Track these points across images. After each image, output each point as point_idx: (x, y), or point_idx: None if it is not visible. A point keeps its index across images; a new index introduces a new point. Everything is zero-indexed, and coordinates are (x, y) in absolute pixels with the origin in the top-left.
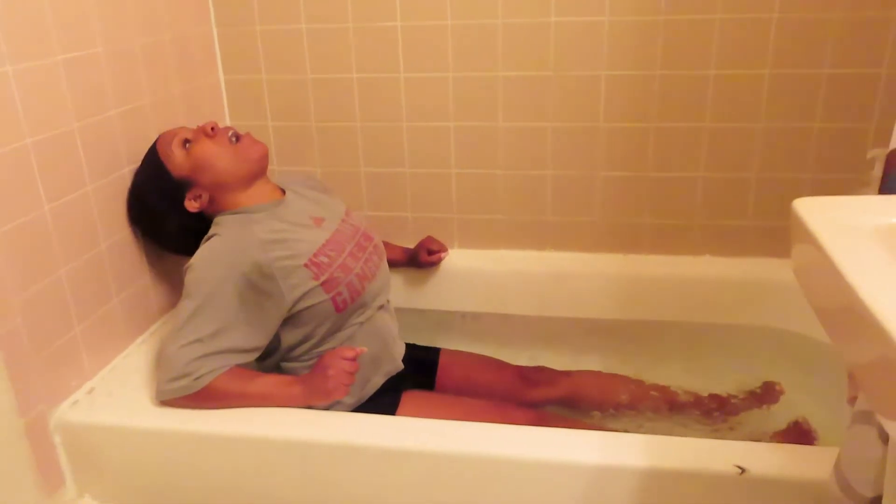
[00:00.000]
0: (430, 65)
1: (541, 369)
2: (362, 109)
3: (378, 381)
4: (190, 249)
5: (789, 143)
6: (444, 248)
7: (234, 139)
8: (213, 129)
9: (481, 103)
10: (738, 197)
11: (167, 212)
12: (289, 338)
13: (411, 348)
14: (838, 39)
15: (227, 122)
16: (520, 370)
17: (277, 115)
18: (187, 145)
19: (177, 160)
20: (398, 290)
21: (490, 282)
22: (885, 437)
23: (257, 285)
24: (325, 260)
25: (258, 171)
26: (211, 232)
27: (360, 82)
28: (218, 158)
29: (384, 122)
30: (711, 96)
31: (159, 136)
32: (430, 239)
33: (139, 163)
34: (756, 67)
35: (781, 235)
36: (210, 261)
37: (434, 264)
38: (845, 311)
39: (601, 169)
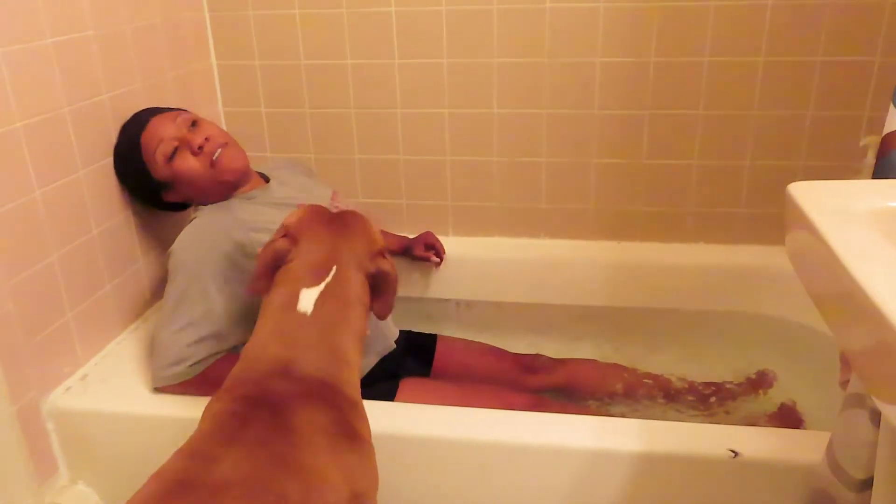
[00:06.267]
0: (425, 51)
1: (537, 357)
2: (356, 96)
3: (370, 361)
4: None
5: (783, 130)
6: (441, 251)
7: (218, 152)
8: (200, 147)
9: (476, 90)
10: (731, 185)
11: (141, 194)
12: None
13: (408, 334)
14: (832, 27)
15: (220, 109)
16: (516, 358)
17: (271, 102)
18: (172, 156)
19: (158, 167)
20: None
21: (484, 269)
22: (876, 420)
23: (240, 265)
24: None
25: (237, 185)
26: (192, 215)
27: (355, 68)
28: (198, 178)
29: (378, 109)
30: (706, 84)
31: (150, 121)
32: (431, 235)
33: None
34: (750, 55)
35: (774, 223)
36: (192, 243)
37: (427, 260)
38: (842, 296)
39: (595, 156)
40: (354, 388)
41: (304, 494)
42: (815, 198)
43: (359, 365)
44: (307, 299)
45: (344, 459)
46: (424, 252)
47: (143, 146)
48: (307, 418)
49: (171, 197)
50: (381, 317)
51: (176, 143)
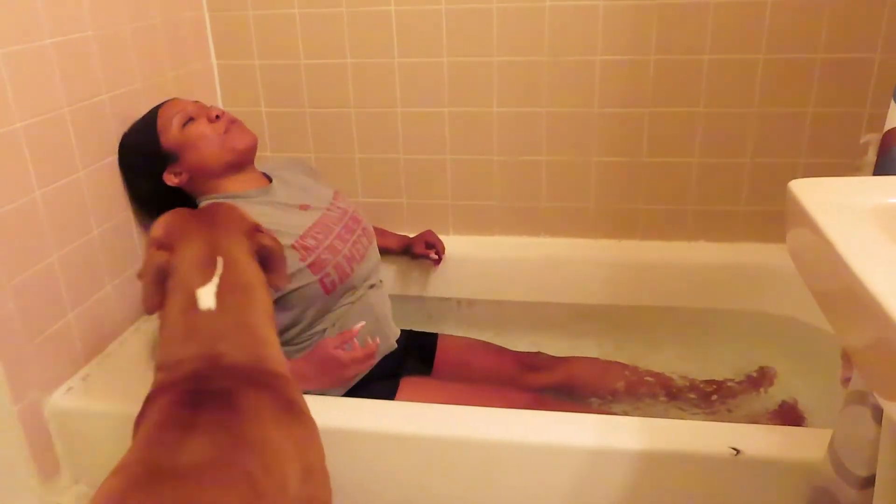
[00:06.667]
0: (425, 50)
1: (538, 355)
2: (356, 95)
3: (371, 361)
4: (152, 214)
5: (783, 128)
6: (441, 250)
7: (232, 124)
8: (217, 116)
9: (476, 89)
10: (732, 182)
11: (143, 174)
12: (279, 321)
13: (409, 333)
14: (833, 24)
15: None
16: (517, 356)
17: (271, 101)
18: (187, 123)
19: (171, 132)
20: (392, 276)
21: (485, 268)
22: (878, 417)
23: None
24: (312, 242)
25: (242, 162)
26: None
27: (354, 67)
28: (206, 142)
29: (378, 108)
30: (706, 81)
31: (171, 99)
32: (431, 233)
33: None
34: (751, 52)
35: (775, 221)
36: None
37: (427, 258)
38: (844, 293)
39: (595, 154)
40: (282, 365)
41: (266, 469)
42: (816, 195)
43: (278, 341)
44: (207, 296)
45: (292, 433)
46: (424, 250)
47: (159, 115)
48: (250, 400)
49: (172, 174)
50: (280, 288)
51: (193, 115)
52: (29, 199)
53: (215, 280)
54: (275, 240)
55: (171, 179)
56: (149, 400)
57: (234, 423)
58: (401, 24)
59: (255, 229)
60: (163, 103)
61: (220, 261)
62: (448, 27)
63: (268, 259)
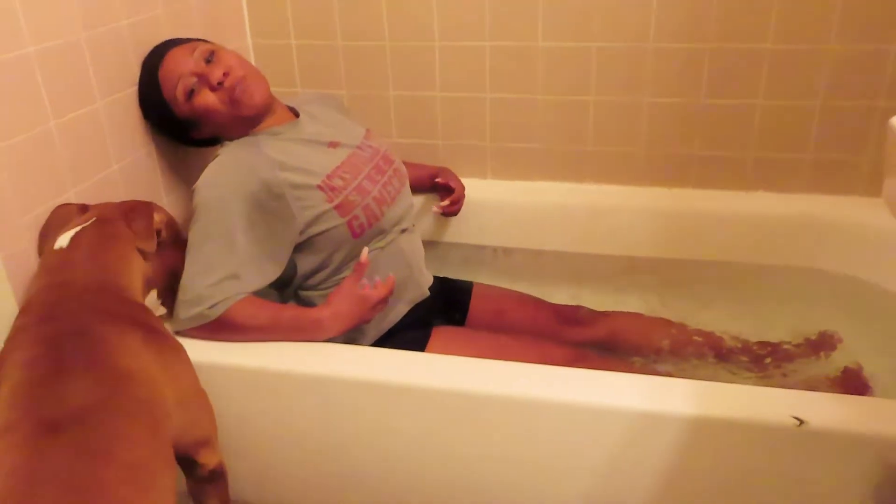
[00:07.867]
0: None
1: (579, 309)
2: (391, 27)
3: (402, 308)
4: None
5: (862, 67)
6: (458, 196)
7: (236, 87)
8: (220, 82)
9: (519, 22)
10: (798, 128)
11: (172, 134)
12: (305, 265)
13: (442, 282)
14: None
15: (249, 41)
16: (557, 308)
17: (301, 33)
18: (191, 95)
19: (180, 105)
20: (426, 222)
21: (524, 215)
22: None
23: (266, 205)
24: (340, 183)
25: (260, 115)
26: (216, 152)
27: None
28: (217, 114)
29: (415, 42)
30: (776, 14)
31: (165, 55)
32: (448, 176)
33: None
34: None
35: (844, 170)
36: (216, 181)
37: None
38: None
39: (648, 95)
40: (138, 293)
41: (151, 395)
42: None
43: (138, 280)
44: (63, 238)
45: (160, 359)
46: (442, 192)
47: (162, 84)
48: (111, 333)
49: (198, 134)
50: (144, 250)
51: (195, 79)
52: (43, 130)
53: (77, 228)
54: (146, 204)
55: (197, 135)
56: (8, 344)
57: (105, 358)
58: None
59: (131, 208)
60: (158, 61)
61: (92, 219)
62: None
63: (133, 221)
